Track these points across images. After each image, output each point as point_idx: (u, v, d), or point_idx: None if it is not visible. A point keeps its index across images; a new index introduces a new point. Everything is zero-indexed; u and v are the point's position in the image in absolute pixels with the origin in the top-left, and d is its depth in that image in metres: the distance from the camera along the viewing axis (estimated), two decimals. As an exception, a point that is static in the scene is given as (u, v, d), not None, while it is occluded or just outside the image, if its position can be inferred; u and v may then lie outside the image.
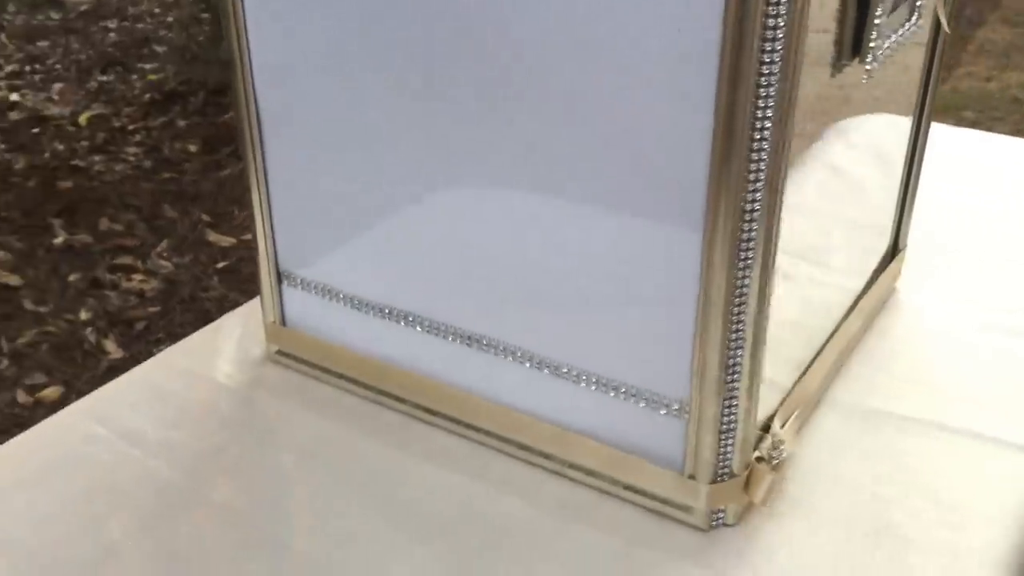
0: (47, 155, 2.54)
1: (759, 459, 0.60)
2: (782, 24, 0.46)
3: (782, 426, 0.62)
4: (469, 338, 0.64)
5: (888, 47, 0.60)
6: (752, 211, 0.50)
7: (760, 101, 0.47)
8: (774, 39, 0.46)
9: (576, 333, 0.60)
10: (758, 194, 0.50)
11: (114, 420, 0.68)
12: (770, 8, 0.45)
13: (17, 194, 2.38)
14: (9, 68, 3.08)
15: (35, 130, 2.66)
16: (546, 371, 0.61)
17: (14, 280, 2.08)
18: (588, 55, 0.51)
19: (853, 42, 0.56)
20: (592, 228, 0.56)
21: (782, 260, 0.54)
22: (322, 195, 0.66)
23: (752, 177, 0.49)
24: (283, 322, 0.72)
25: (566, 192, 0.56)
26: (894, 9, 0.59)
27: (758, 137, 0.48)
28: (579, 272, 0.58)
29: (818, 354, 0.69)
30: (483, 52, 0.54)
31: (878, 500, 0.62)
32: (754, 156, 0.49)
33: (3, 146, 2.60)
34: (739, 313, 0.53)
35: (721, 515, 0.59)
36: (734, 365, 0.55)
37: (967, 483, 0.63)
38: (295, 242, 0.69)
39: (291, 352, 0.73)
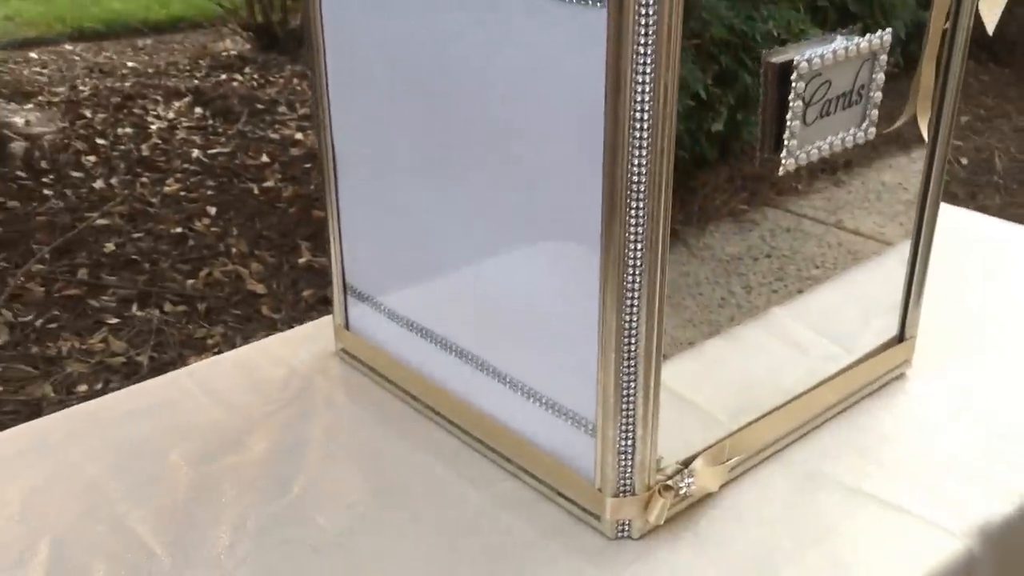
0: (312, 187, 2.92)
1: (667, 487, 0.69)
2: (648, 129, 0.57)
3: (706, 464, 0.72)
4: (461, 353, 0.78)
5: (823, 147, 0.68)
6: (635, 265, 0.61)
7: (634, 177, 0.59)
8: (641, 139, 0.58)
9: (527, 359, 0.72)
10: (639, 249, 0.61)
11: (207, 382, 0.88)
12: (638, 116, 0.57)
13: (279, 217, 2.76)
14: (303, 110, 3.55)
15: (307, 165, 3.06)
16: (509, 387, 0.74)
17: (260, 288, 2.43)
18: (521, 144, 0.65)
19: (773, 139, 0.66)
20: (527, 279, 0.69)
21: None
22: (373, 226, 0.83)
23: (632, 235, 0.60)
24: (347, 326, 0.90)
25: (511, 245, 0.69)
26: (826, 113, 0.68)
27: (634, 206, 0.60)
28: (523, 310, 0.71)
29: (770, 412, 0.77)
30: (458, 137, 0.70)
31: (776, 549, 0.69)
32: (631, 220, 0.60)
33: (279, 176, 3.02)
34: (630, 351, 0.64)
35: (626, 528, 0.69)
36: (628, 397, 0.65)
37: (875, 554, 0.69)
38: (356, 261, 0.87)
39: (350, 351, 0.90)
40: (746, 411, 0.76)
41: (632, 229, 0.60)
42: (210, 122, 3.44)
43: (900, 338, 0.87)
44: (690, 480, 0.70)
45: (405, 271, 0.82)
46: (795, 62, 0.64)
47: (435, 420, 0.82)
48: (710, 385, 0.77)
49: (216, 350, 2.16)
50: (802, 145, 0.67)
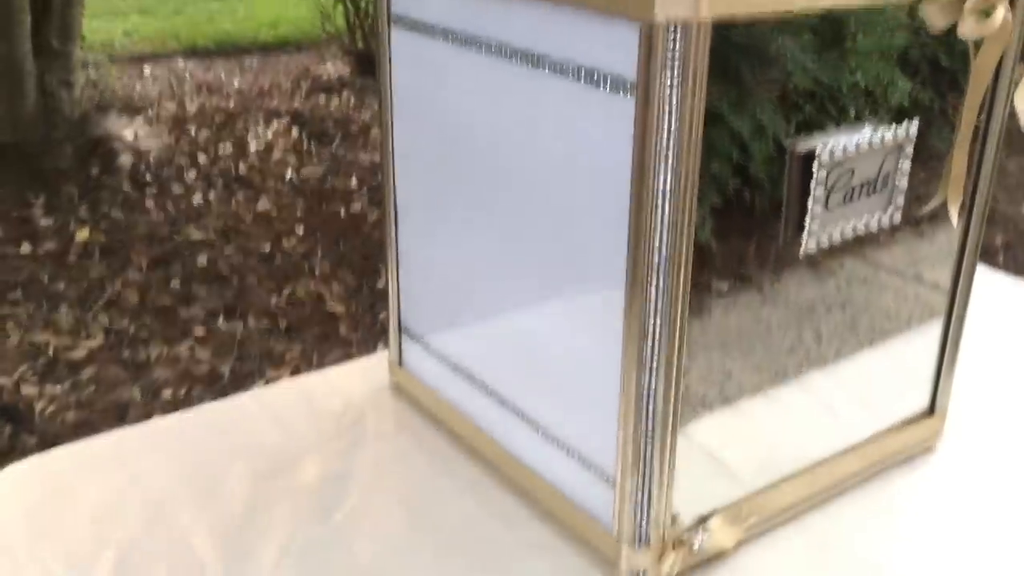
0: (397, 212, 3.01)
1: (681, 541, 0.73)
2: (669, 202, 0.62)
3: (722, 522, 0.76)
4: (500, 398, 0.83)
5: (845, 230, 0.72)
6: (654, 335, 0.66)
7: (655, 256, 0.64)
8: (662, 221, 0.63)
9: (557, 410, 0.78)
10: (658, 321, 0.65)
11: (269, 406, 0.95)
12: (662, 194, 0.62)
13: (362, 241, 2.86)
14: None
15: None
16: (541, 435, 0.80)
17: (339, 309, 2.53)
18: (556, 201, 0.70)
19: (796, 221, 0.70)
20: (559, 335, 0.74)
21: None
22: (427, 272, 0.90)
23: (652, 308, 0.65)
24: (400, 362, 0.96)
25: (547, 302, 0.75)
26: (850, 199, 0.72)
27: (654, 282, 0.64)
28: (555, 364, 0.76)
29: (791, 476, 0.80)
30: (502, 202, 0.75)
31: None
32: (652, 294, 0.65)
33: (366, 200, 3.13)
34: (648, 413, 0.68)
35: (641, 576, 0.74)
36: (646, 454, 0.70)
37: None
38: (410, 302, 0.93)
39: (403, 387, 0.96)
40: (769, 472, 0.80)
41: (652, 302, 0.65)
42: (305, 144, 3.58)
43: (930, 411, 0.89)
44: (704, 536, 0.74)
45: (453, 317, 0.88)
46: (817, 152, 0.68)
47: (476, 460, 0.87)
48: (739, 444, 0.81)
49: (294, 366, 2.26)
50: (824, 228, 0.71)
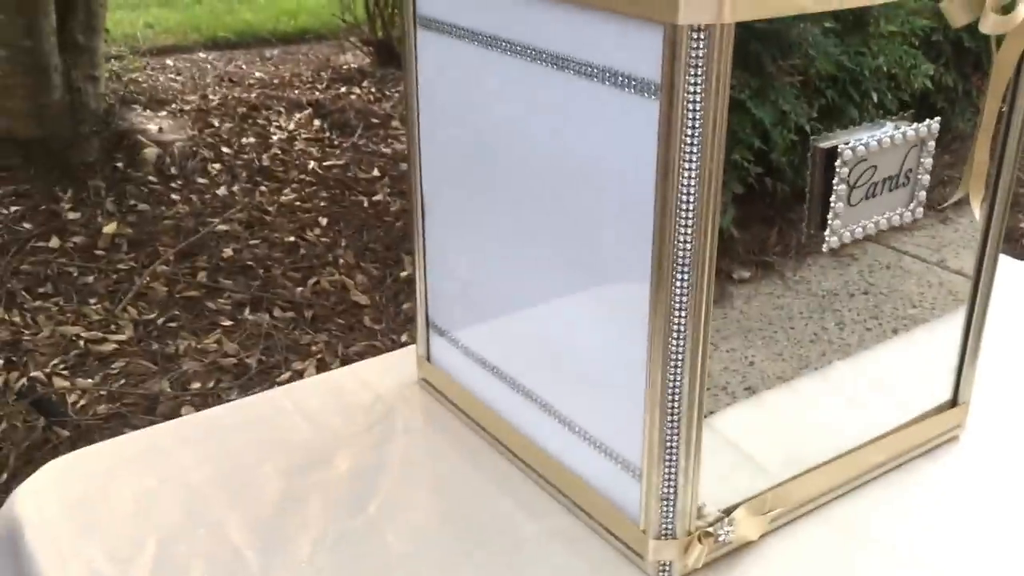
0: (419, 202, 3.03)
1: (707, 533, 0.75)
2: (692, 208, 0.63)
3: (747, 514, 0.77)
4: (527, 392, 0.85)
5: (868, 226, 0.73)
6: (679, 331, 0.67)
7: (679, 254, 0.65)
8: (687, 221, 0.64)
9: (584, 404, 0.79)
10: (683, 317, 0.67)
11: (300, 402, 0.97)
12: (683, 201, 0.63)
13: (386, 231, 2.88)
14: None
15: (416, 180, 3.18)
16: (568, 429, 0.81)
17: (364, 299, 2.55)
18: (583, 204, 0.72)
19: (819, 218, 0.71)
20: (586, 331, 0.76)
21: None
22: (453, 268, 0.91)
23: (676, 304, 0.66)
24: (428, 358, 0.98)
25: (573, 298, 0.76)
26: (872, 195, 0.72)
27: (679, 278, 0.66)
28: (582, 359, 0.77)
29: (815, 467, 0.81)
30: (528, 198, 0.77)
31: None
32: (676, 291, 0.66)
33: (388, 190, 3.15)
34: (673, 408, 0.70)
35: (667, 569, 0.75)
36: (671, 448, 0.71)
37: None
38: (437, 298, 0.94)
39: (430, 381, 0.98)
40: (793, 463, 0.81)
41: (676, 298, 0.66)
42: (327, 134, 3.60)
43: (953, 402, 0.90)
44: (729, 528, 0.75)
45: (480, 312, 0.89)
46: (839, 149, 0.68)
47: (503, 453, 0.89)
48: (764, 435, 0.82)
49: (319, 356, 2.28)
50: (846, 224, 0.72)
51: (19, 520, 0.83)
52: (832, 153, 0.69)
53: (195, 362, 2.30)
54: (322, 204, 3.04)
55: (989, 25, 0.72)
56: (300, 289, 2.60)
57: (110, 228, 2.81)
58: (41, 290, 2.57)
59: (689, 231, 0.64)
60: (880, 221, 0.74)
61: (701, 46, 0.60)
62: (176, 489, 0.86)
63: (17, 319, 2.45)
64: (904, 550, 0.79)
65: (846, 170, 0.69)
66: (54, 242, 2.76)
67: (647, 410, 0.71)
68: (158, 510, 0.83)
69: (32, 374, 2.24)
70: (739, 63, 0.61)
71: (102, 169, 3.11)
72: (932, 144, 0.74)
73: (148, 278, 2.61)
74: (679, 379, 0.69)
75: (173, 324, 2.45)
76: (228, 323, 2.46)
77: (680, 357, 0.68)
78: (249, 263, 2.70)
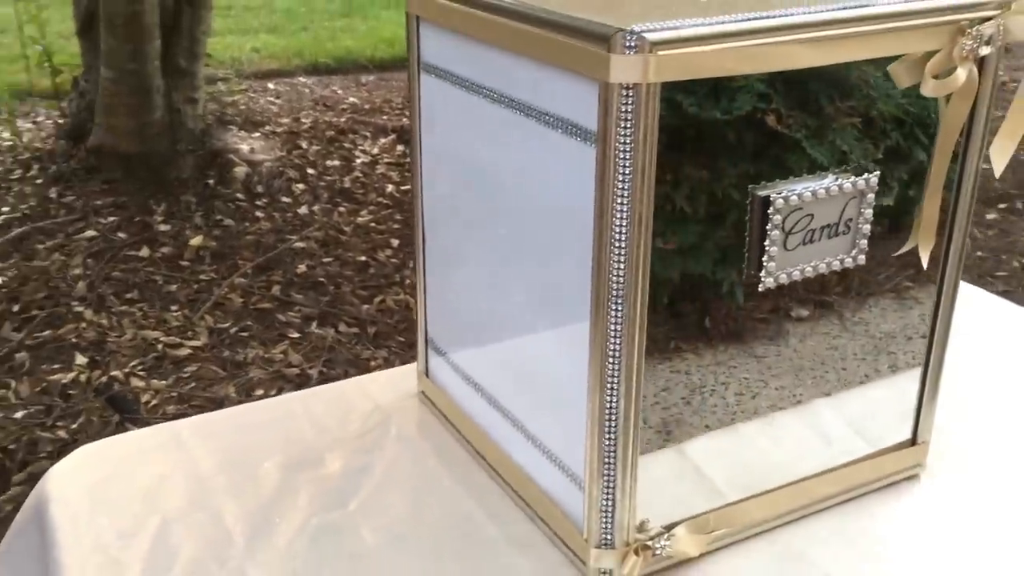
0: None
1: (645, 546, 0.81)
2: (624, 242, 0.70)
3: (688, 531, 0.82)
4: (502, 409, 0.92)
5: (806, 270, 0.78)
6: (614, 360, 0.74)
7: (614, 287, 0.72)
8: (619, 259, 0.70)
9: (546, 422, 0.86)
10: (618, 347, 0.73)
11: (309, 407, 1.07)
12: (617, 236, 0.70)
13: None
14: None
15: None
16: (532, 444, 0.88)
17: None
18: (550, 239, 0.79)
19: (756, 260, 0.77)
20: (549, 356, 0.83)
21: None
22: (447, 291, 0.99)
23: (612, 333, 0.73)
24: (427, 373, 1.06)
25: (539, 324, 0.83)
26: (810, 241, 0.78)
27: (614, 309, 0.72)
28: (545, 382, 0.84)
29: (763, 493, 0.86)
30: (502, 230, 0.85)
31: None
32: (611, 320, 0.73)
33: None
34: (610, 429, 0.76)
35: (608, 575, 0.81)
36: (609, 466, 0.78)
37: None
38: (435, 317, 1.03)
39: (427, 394, 1.06)
40: (745, 488, 0.86)
41: (612, 327, 0.73)
42: (407, 160, 3.73)
43: (913, 441, 0.94)
44: (667, 543, 0.81)
45: (468, 335, 0.97)
46: (772, 197, 0.74)
47: (480, 463, 0.96)
48: (728, 463, 0.87)
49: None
50: (783, 267, 0.77)
51: (47, 496, 0.94)
52: (766, 201, 0.75)
53: (261, 370, 2.43)
54: (395, 226, 3.17)
55: (929, 88, 0.77)
56: (366, 307, 2.72)
57: (196, 241, 2.98)
58: (128, 295, 2.74)
59: (622, 266, 0.71)
60: (819, 266, 0.79)
61: (630, 102, 0.67)
62: (185, 477, 0.95)
63: (104, 321, 2.63)
64: (838, 574, 0.83)
65: (779, 217, 0.75)
66: (144, 251, 2.95)
67: (588, 429, 0.78)
68: (165, 494, 0.93)
69: (112, 373, 2.41)
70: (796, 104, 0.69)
71: (194, 185, 3.30)
72: (871, 196, 0.79)
73: (226, 289, 2.77)
74: (615, 402, 0.76)
75: (245, 334, 2.59)
76: (295, 335, 2.59)
77: (616, 381, 0.75)
78: (321, 279, 2.83)
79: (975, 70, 0.78)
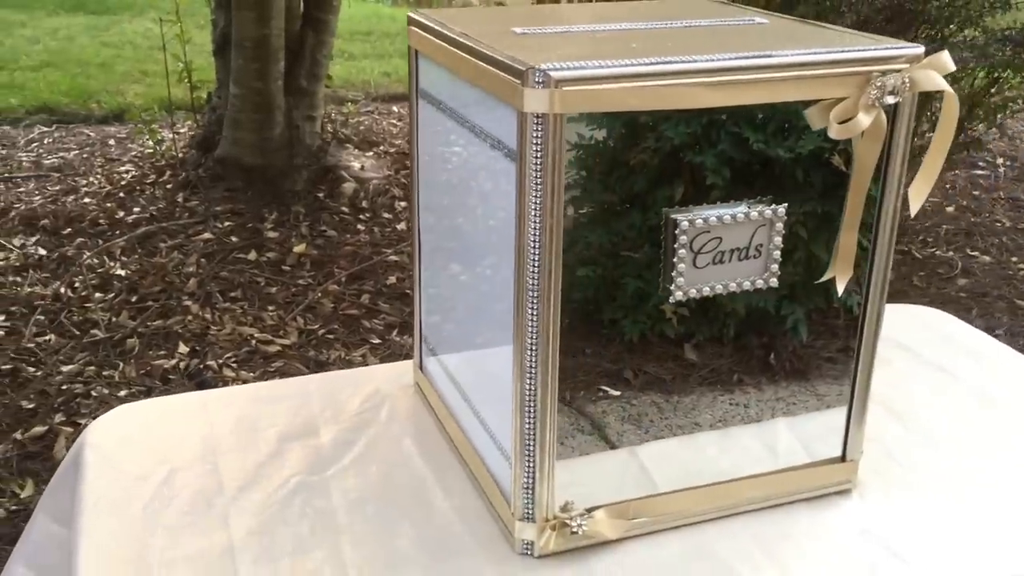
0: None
1: (563, 523, 0.91)
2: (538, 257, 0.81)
3: (607, 516, 0.92)
4: (467, 398, 1.04)
5: (716, 287, 0.88)
6: (532, 361, 0.85)
7: (529, 291, 0.83)
8: (535, 263, 0.82)
9: (495, 413, 0.97)
10: (535, 346, 0.84)
11: (321, 387, 1.21)
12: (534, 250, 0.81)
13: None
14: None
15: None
16: (483, 429, 1.00)
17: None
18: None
19: (668, 276, 0.87)
20: (500, 357, 0.94)
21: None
22: (434, 298, 1.12)
23: (531, 329, 0.84)
24: (420, 367, 1.19)
25: (492, 327, 0.95)
26: (720, 261, 0.87)
27: (530, 310, 0.83)
28: (497, 379, 0.96)
29: (683, 490, 0.95)
30: (465, 239, 0.97)
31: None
32: (529, 321, 0.84)
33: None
34: (530, 410, 0.87)
35: (529, 547, 0.92)
36: (529, 448, 0.88)
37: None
38: (427, 320, 1.15)
39: (420, 385, 1.19)
40: (672, 483, 0.96)
41: (529, 326, 0.84)
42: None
43: (842, 457, 1.01)
44: (583, 523, 0.91)
45: (446, 332, 1.10)
46: (678, 220, 0.84)
47: (448, 444, 1.08)
48: (673, 467, 0.97)
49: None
50: (692, 284, 0.87)
51: (85, 442, 1.11)
52: (675, 222, 0.85)
53: (340, 371, 2.60)
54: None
55: (834, 132, 0.85)
56: (446, 319, 2.87)
57: (299, 248, 3.20)
58: (232, 294, 2.98)
59: (536, 269, 0.82)
60: (730, 285, 0.88)
61: (539, 129, 0.78)
62: (199, 437, 1.11)
63: (208, 316, 2.86)
64: (744, 572, 0.91)
65: (685, 238, 0.85)
66: (252, 255, 3.18)
67: (513, 414, 0.89)
68: (179, 448, 1.08)
69: (208, 362, 2.63)
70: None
71: (305, 197, 3.53)
72: (781, 225, 0.88)
73: (320, 294, 2.97)
74: (534, 390, 0.87)
75: (331, 336, 2.78)
76: (377, 341, 2.76)
77: (533, 371, 0.86)
78: (407, 291, 3.00)
79: (883, 116, 0.86)
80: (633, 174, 0.85)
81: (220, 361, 2.64)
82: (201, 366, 2.61)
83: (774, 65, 0.82)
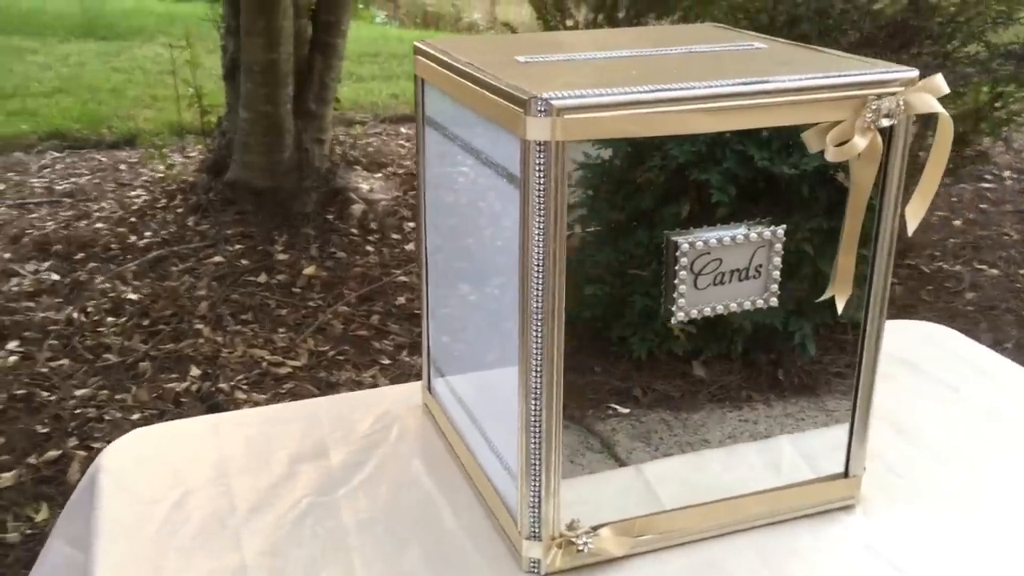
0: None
1: (569, 541, 0.92)
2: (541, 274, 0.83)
3: (613, 533, 0.94)
4: (474, 418, 1.06)
5: (718, 307, 0.89)
6: (536, 383, 0.86)
7: (534, 313, 0.85)
8: (539, 286, 0.84)
9: (503, 434, 0.99)
10: (539, 367, 0.86)
11: (331, 409, 1.23)
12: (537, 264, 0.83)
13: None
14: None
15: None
16: (490, 449, 1.01)
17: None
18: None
19: (670, 297, 0.88)
20: (505, 378, 0.96)
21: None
22: (442, 321, 1.14)
23: (535, 352, 0.86)
24: (429, 388, 1.21)
25: (501, 347, 0.97)
26: (720, 282, 0.89)
27: (535, 331, 0.85)
28: (501, 399, 0.98)
29: (686, 507, 0.97)
30: (475, 264, 0.99)
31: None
32: (534, 343, 0.86)
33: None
34: (536, 429, 0.89)
35: (536, 566, 0.93)
36: (534, 468, 0.90)
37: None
38: (436, 343, 1.17)
39: (428, 405, 1.21)
40: (677, 501, 0.97)
41: (534, 348, 0.86)
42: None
43: (845, 474, 1.02)
44: (588, 541, 0.92)
45: (453, 354, 1.11)
46: (679, 242, 0.86)
47: (456, 464, 1.10)
48: (678, 484, 0.98)
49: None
50: (694, 304, 0.89)
51: (101, 465, 1.13)
52: (676, 244, 0.87)
53: (350, 392, 2.62)
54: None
55: (830, 154, 0.87)
56: (455, 339, 2.89)
57: (309, 270, 3.23)
58: (243, 316, 3.00)
59: (540, 292, 0.84)
60: (731, 305, 0.90)
61: (542, 155, 0.80)
62: (211, 459, 1.13)
63: (219, 339, 2.89)
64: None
65: (686, 260, 0.87)
66: (262, 277, 3.21)
67: (519, 433, 0.91)
68: (192, 471, 1.10)
69: (219, 385, 2.65)
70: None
71: (315, 219, 3.57)
72: (780, 246, 0.90)
73: (330, 316, 2.99)
74: (539, 409, 0.88)
75: (341, 357, 2.80)
76: (387, 362, 2.78)
77: (538, 391, 0.88)
78: (416, 312, 3.02)
79: (878, 138, 0.88)
80: (639, 192, 0.87)
81: (232, 384, 2.66)
82: (213, 389, 2.64)
83: (770, 91, 0.84)
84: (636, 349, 0.93)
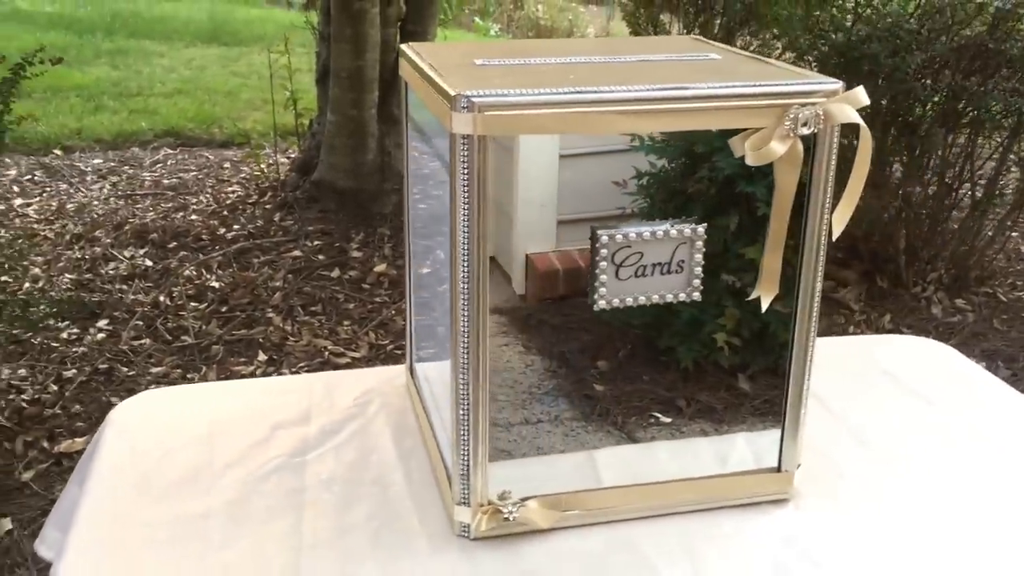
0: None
1: (496, 510, 0.99)
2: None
3: (539, 505, 1.00)
4: (436, 401, 1.14)
5: (639, 298, 0.95)
6: (464, 345, 0.94)
7: (461, 285, 0.92)
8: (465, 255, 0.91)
9: (447, 404, 1.07)
10: (466, 339, 0.94)
11: (325, 384, 1.32)
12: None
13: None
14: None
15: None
16: (442, 426, 1.09)
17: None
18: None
19: (592, 286, 0.95)
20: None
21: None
22: (422, 309, 1.22)
23: (462, 330, 0.93)
24: (410, 369, 1.29)
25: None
26: (642, 275, 0.94)
27: (462, 308, 0.93)
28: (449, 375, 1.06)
29: (614, 487, 1.02)
30: (437, 251, 1.07)
31: None
32: (460, 316, 0.93)
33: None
34: (464, 402, 0.96)
35: (466, 529, 1.00)
36: (464, 437, 0.97)
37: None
38: (418, 328, 1.26)
39: (409, 385, 1.29)
40: (609, 481, 1.03)
41: (461, 327, 0.94)
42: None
43: (777, 468, 1.06)
44: (513, 510, 0.99)
45: (427, 337, 1.20)
46: (599, 234, 0.92)
47: (418, 437, 1.18)
48: (622, 469, 1.04)
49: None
50: (616, 294, 0.95)
51: (110, 420, 1.25)
52: (597, 237, 0.93)
53: (402, 384, 2.73)
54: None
55: (749, 158, 0.92)
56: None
57: (380, 268, 3.37)
58: (312, 308, 3.15)
59: (466, 276, 0.92)
60: (653, 297, 0.96)
61: (465, 148, 0.88)
62: (204, 420, 1.23)
63: (288, 328, 3.04)
64: (664, 571, 0.97)
65: (606, 251, 0.93)
66: (335, 272, 3.36)
67: (452, 406, 0.98)
68: (183, 429, 1.21)
69: (282, 371, 2.79)
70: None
71: (392, 220, 3.70)
72: (700, 243, 0.95)
73: (393, 311, 3.11)
74: (466, 383, 0.96)
75: (398, 352, 2.91)
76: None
77: (465, 367, 0.95)
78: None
79: (799, 145, 0.92)
80: (691, 203, 0.94)
81: (294, 370, 2.80)
82: (275, 373, 2.78)
83: (688, 96, 0.90)
84: (682, 358, 0.99)
